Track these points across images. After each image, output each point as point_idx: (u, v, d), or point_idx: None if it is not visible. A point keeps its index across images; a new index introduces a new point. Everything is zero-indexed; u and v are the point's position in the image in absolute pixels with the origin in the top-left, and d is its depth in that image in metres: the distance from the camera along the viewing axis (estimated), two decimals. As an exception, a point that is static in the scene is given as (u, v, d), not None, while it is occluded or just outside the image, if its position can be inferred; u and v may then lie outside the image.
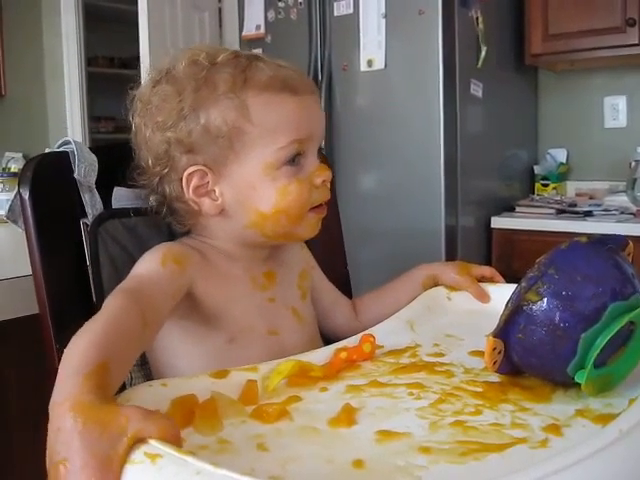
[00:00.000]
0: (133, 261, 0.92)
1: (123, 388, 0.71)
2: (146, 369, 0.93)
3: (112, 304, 0.72)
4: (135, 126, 0.92)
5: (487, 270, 1.11)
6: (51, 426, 0.55)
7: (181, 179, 0.89)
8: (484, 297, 1.07)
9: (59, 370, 0.61)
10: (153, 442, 0.54)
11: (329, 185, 0.93)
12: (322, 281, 1.09)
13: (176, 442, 0.55)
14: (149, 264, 0.84)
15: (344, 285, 1.24)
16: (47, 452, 0.54)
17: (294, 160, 0.88)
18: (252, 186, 0.87)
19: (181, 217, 0.93)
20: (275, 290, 0.96)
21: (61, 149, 0.93)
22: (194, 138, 0.86)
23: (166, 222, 0.97)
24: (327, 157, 0.94)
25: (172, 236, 0.99)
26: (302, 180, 0.88)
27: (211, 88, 0.86)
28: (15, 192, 0.90)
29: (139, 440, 0.54)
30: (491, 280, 1.10)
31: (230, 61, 0.88)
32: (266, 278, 0.96)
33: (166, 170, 0.90)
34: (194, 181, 0.88)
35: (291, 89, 0.87)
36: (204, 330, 0.89)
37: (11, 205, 0.92)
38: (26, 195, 0.87)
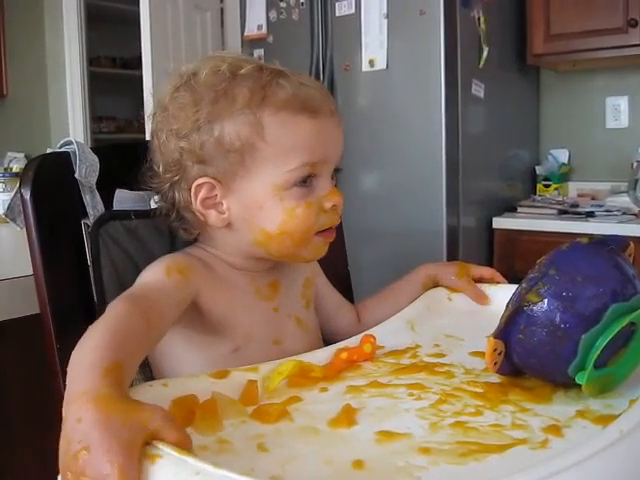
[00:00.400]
0: (134, 263, 0.92)
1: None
2: (146, 372, 0.93)
3: (116, 308, 0.72)
4: (152, 130, 0.92)
5: (487, 271, 1.10)
6: (69, 418, 0.55)
7: (190, 188, 0.88)
8: (482, 299, 1.06)
9: (69, 368, 0.61)
10: (155, 442, 0.54)
11: (340, 210, 0.91)
12: (326, 287, 1.08)
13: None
14: (153, 274, 0.84)
15: (345, 285, 1.24)
16: (62, 444, 0.54)
17: (305, 181, 0.86)
18: (259, 205, 0.87)
19: (188, 225, 0.93)
20: (279, 300, 0.96)
21: (63, 149, 0.93)
22: (206, 150, 0.86)
23: (167, 225, 0.96)
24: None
25: (173, 239, 0.99)
26: (311, 203, 0.87)
27: (229, 101, 0.85)
28: (15, 190, 0.90)
29: (155, 438, 0.54)
30: (491, 281, 1.10)
31: (252, 75, 0.86)
32: (270, 288, 0.96)
33: (177, 177, 0.89)
34: (202, 192, 0.88)
35: (310, 110, 0.86)
36: (208, 339, 0.89)
37: (10, 204, 0.92)
38: (27, 195, 0.87)
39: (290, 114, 0.85)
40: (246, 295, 0.93)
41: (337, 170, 0.92)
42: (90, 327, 0.67)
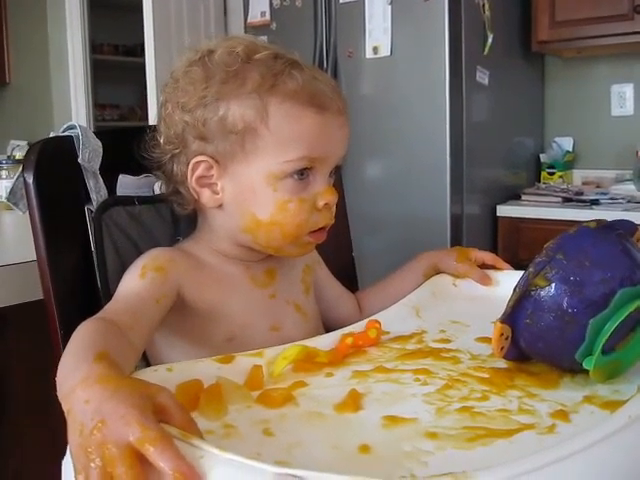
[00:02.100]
0: (137, 249, 0.92)
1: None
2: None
3: (81, 327, 0.70)
4: (161, 100, 0.92)
5: (488, 255, 1.10)
6: (75, 405, 0.54)
7: (189, 164, 0.88)
8: (486, 280, 1.06)
9: (58, 379, 0.61)
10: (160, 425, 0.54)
11: (333, 209, 0.91)
12: (327, 276, 1.08)
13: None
14: (128, 280, 0.84)
15: (350, 272, 1.24)
16: (73, 431, 0.53)
17: (302, 174, 0.86)
18: (252, 190, 0.86)
19: (182, 200, 0.93)
20: (276, 286, 0.95)
21: (66, 133, 0.92)
22: (209, 127, 0.85)
23: (170, 211, 0.97)
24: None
25: (176, 225, 0.99)
26: (304, 200, 0.86)
27: (238, 83, 0.85)
28: (17, 174, 0.89)
29: (162, 414, 0.54)
30: (493, 266, 1.09)
31: (266, 61, 0.86)
32: (266, 275, 0.95)
33: (177, 150, 0.89)
34: (199, 170, 0.87)
35: (317, 105, 0.85)
36: (200, 330, 0.89)
37: (12, 188, 0.91)
38: (30, 179, 0.86)
39: (297, 105, 0.84)
40: (240, 283, 0.93)
41: (336, 168, 0.92)
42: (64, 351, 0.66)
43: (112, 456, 0.50)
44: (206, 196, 0.89)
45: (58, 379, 0.61)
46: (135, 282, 0.83)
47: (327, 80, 0.90)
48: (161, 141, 0.91)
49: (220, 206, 0.89)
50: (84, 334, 0.67)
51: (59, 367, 0.63)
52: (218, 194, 0.88)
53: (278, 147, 0.84)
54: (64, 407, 0.56)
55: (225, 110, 0.85)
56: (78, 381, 0.56)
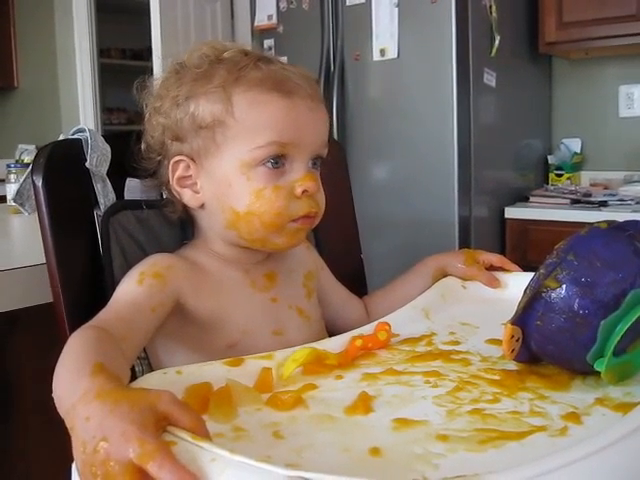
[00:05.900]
0: (144, 253, 0.93)
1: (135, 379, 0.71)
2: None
3: (73, 337, 0.70)
4: (144, 111, 0.95)
5: (495, 257, 1.10)
6: (76, 422, 0.55)
7: (169, 166, 0.90)
8: (494, 282, 1.06)
9: (54, 393, 0.61)
10: (169, 428, 0.53)
11: (318, 198, 0.89)
12: (332, 282, 1.08)
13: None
14: (126, 286, 0.84)
15: (359, 273, 1.23)
16: (77, 449, 0.54)
17: (277, 162, 0.85)
18: (228, 183, 0.87)
19: (171, 204, 0.95)
20: (277, 290, 0.95)
21: (75, 136, 0.93)
22: (182, 126, 0.88)
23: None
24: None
25: (184, 229, 0.99)
26: (280, 187, 0.86)
27: (206, 80, 0.87)
28: (25, 175, 0.90)
29: (168, 421, 0.54)
30: (501, 268, 1.09)
31: (234, 58, 0.88)
32: (267, 279, 0.95)
33: (160, 157, 0.92)
34: (179, 171, 0.89)
35: (283, 91, 0.86)
36: (202, 337, 0.88)
37: (19, 189, 0.92)
38: (39, 182, 0.86)
39: (261, 93, 0.86)
40: (240, 288, 0.92)
41: (321, 158, 0.91)
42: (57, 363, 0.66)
43: (115, 473, 0.51)
44: (187, 196, 0.90)
45: (57, 394, 0.61)
46: (132, 288, 0.83)
47: (298, 70, 0.90)
48: (143, 149, 0.93)
49: (202, 206, 0.90)
50: (78, 345, 0.68)
51: (55, 380, 0.63)
52: (198, 193, 0.90)
53: (246, 135, 0.85)
54: (67, 424, 0.57)
55: (195, 107, 0.87)
56: (78, 397, 0.57)
